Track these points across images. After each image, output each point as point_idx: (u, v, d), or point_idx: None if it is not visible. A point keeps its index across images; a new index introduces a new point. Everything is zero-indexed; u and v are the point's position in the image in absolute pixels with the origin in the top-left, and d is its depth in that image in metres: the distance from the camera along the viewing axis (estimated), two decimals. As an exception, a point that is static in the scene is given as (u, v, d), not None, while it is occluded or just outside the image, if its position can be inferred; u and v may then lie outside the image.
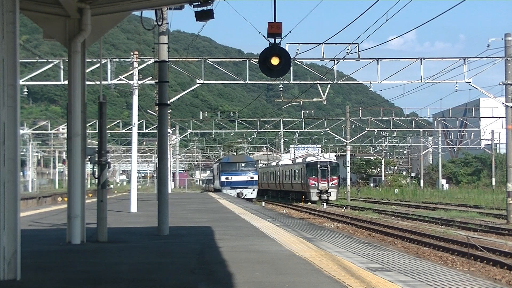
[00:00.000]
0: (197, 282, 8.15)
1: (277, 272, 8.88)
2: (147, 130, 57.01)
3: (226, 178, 58.18)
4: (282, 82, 37.48)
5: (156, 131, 23.84)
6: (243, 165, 59.41)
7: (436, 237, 23.88)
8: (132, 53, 29.99)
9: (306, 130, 67.14)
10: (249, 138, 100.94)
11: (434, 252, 20.39)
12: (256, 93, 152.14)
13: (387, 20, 17.35)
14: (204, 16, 14.05)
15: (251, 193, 58.02)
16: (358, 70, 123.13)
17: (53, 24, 13.30)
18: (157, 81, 16.59)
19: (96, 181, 13.72)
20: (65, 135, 28.43)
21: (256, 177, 59.25)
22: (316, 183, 53.57)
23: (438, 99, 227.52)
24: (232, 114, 74.71)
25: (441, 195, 63.50)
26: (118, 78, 31.18)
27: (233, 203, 35.51)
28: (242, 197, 54.40)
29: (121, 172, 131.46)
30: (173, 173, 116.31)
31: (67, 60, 13.79)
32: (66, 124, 15.31)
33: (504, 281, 15.52)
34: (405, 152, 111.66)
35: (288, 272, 8.87)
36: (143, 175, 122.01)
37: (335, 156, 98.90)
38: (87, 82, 15.03)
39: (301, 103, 56.34)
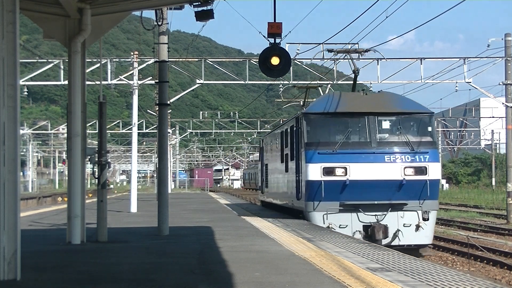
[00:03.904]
0: (197, 282, 8.15)
1: (277, 272, 8.88)
2: (147, 130, 56.95)
3: (327, 172, 17.15)
4: (282, 82, 37.46)
5: (156, 131, 23.86)
6: (385, 125, 17.92)
7: (436, 237, 23.90)
8: (132, 53, 30.01)
9: (306, 130, 66.92)
10: (249, 138, 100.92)
11: (434, 252, 20.38)
12: (256, 93, 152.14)
13: (387, 17, 17.29)
14: (204, 16, 14.06)
15: (419, 226, 17.29)
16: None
17: (53, 24, 13.31)
18: (157, 81, 16.60)
19: (96, 181, 13.72)
20: (65, 135, 28.45)
21: (437, 170, 17.80)
22: None
23: (438, 99, 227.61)
24: (232, 114, 74.69)
25: (441, 195, 63.43)
26: (118, 78, 31.19)
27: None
28: (388, 242, 17.05)
29: (121, 172, 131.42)
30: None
31: (67, 60, 13.80)
32: (66, 124, 15.32)
33: (504, 281, 15.53)
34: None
35: (288, 272, 8.87)
36: (143, 175, 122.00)
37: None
38: (87, 82, 15.04)
39: (301, 103, 55.68)
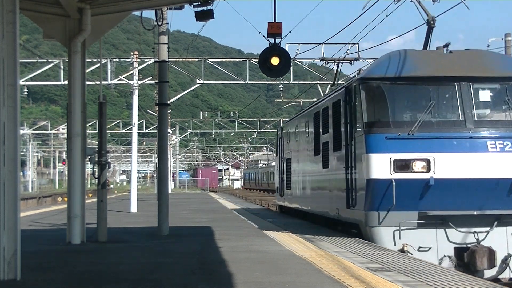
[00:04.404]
0: (197, 282, 8.15)
1: (277, 272, 8.88)
2: (147, 130, 57.00)
3: (401, 167, 11.89)
4: (282, 82, 37.48)
5: (156, 131, 23.86)
6: (485, 96, 12.49)
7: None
8: (132, 53, 30.05)
9: (306, 130, 66.86)
10: (249, 138, 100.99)
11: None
12: (256, 93, 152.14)
13: (387, 16, 17.26)
14: (204, 16, 14.08)
15: None
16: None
17: (53, 24, 13.33)
18: (157, 81, 16.62)
19: (96, 181, 13.74)
20: (65, 135, 28.46)
21: None
22: None
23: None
24: (232, 114, 74.78)
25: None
26: (118, 78, 31.24)
27: (233, 203, 35.56)
28: (495, 274, 11.75)
29: (121, 172, 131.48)
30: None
31: (67, 60, 13.82)
32: (66, 124, 15.34)
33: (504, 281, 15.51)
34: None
35: (288, 272, 8.87)
36: (143, 175, 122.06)
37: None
38: (87, 82, 15.05)
39: (301, 103, 55.65)
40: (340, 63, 20.23)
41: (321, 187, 15.95)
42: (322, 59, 18.83)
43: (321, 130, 15.91)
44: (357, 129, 12.73)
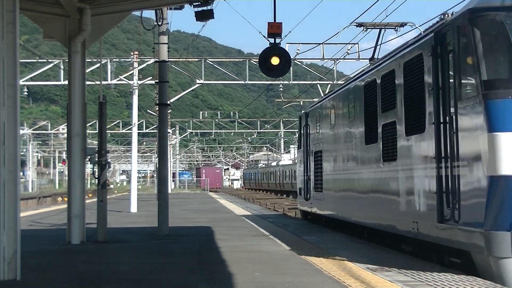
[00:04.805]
0: (197, 282, 8.15)
1: (277, 272, 8.88)
2: (147, 130, 57.01)
3: None
4: (282, 82, 37.49)
5: (156, 131, 23.86)
6: None
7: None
8: (132, 53, 30.06)
9: (306, 130, 66.81)
10: (249, 138, 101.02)
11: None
12: (256, 93, 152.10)
13: (387, 16, 17.20)
14: (204, 16, 14.09)
15: None
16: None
17: (53, 24, 13.35)
18: (157, 81, 16.64)
19: (96, 181, 13.75)
20: (65, 135, 28.47)
21: None
22: None
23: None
24: (232, 114, 74.82)
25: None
26: (118, 78, 31.25)
27: (233, 203, 35.54)
28: None
29: (121, 172, 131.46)
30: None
31: (67, 60, 13.84)
32: (66, 124, 15.36)
33: (504, 281, 15.49)
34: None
35: (288, 272, 8.87)
36: (143, 175, 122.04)
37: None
38: (87, 82, 15.07)
39: (301, 103, 55.62)
40: (383, 30, 15.28)
41: (380, 189, 11.53)
42: (359, 25, 15.44)
43: (379, 107, 11.48)
44: (466, 93, 8.06)
